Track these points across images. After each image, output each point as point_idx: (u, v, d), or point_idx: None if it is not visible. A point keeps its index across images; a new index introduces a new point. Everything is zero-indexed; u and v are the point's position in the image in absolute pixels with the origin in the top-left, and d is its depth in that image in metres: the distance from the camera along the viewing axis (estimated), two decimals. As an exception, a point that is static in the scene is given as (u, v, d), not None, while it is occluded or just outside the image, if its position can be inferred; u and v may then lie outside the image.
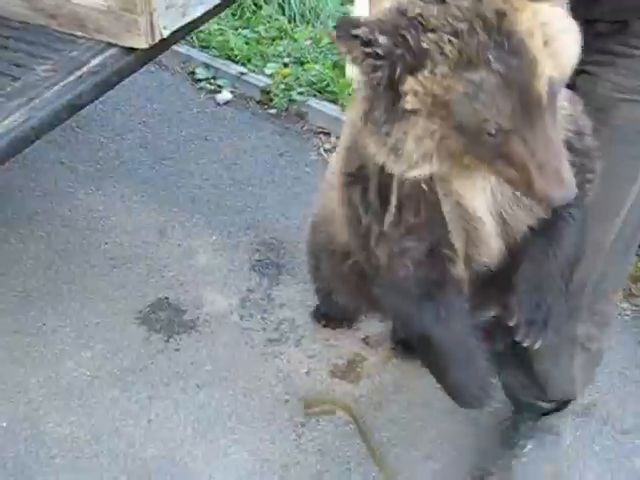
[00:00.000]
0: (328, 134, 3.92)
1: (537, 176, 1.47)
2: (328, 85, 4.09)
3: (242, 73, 4.25)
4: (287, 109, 4.10)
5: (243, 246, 3.36)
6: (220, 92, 4.22)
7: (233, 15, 4.64)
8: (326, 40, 4.45)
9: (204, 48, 4.45)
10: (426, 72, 1.44)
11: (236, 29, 4.55)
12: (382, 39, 1.44)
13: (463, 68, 1.42)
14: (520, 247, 1.90)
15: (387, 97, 1.50)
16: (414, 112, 1.48)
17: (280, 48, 4.43)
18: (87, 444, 2.65)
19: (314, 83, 4.12)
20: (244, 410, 2.76)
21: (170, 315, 3.07)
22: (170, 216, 3.48)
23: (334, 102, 4.03)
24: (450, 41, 1.41)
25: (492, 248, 1.87)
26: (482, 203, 1.78)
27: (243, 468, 2.60)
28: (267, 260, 3.30)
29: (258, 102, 4.18)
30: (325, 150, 3.85)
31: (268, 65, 4.28)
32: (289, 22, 4.61)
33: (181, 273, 3.24)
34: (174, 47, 4.16)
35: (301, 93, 4.10)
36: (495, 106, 1.42)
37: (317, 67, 4.18)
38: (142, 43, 2.28)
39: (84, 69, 2.27)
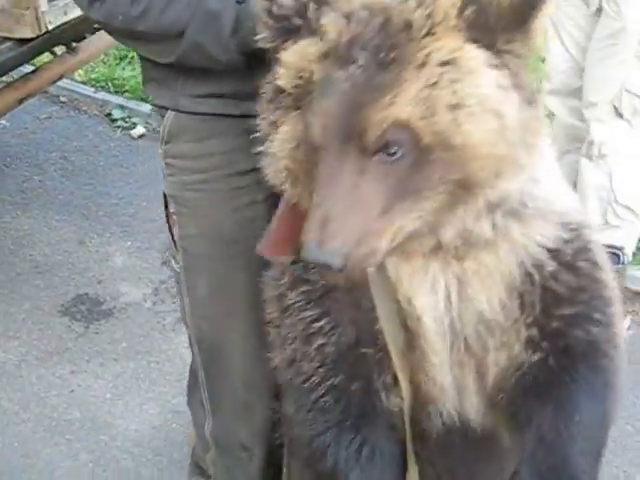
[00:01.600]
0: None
1: (309, 216, 1.21)
2: (231, 114, 4.56)
3: (154, 110, 4.70)
4: (195, 137, 4.55)
5: (155, 247, 3.75)
6: (135, 128, 4.66)
7: (144, 63, 5.12)
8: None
9: (118, 92, 4.90)
10: (304, 43, 1.24)
11: (147, 75, 5.03)
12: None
13: (331, 55, 1.20)
14: (507, 408, 1.46)
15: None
16: (283, 96, 1.28)
17: (188, 89, 4.91)
18: (15, 414, 2.96)
19: (218, 113, 4.59)
20: (157, 375, 3.10)
21: (89, 307, 3.43)
22: (89, 229, 3.86)
23: (237, 128, 4.49)
24: (341, 21, 1.21)
25: (442, 372, 1.43)
26: (427, 299, 1.39)
27: (157, 420, 2.93)
28: (177, 256, 3.68)
29: (169, 134, 4.63)
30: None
31: (177, 102, 4.74)
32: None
33: (99, 273, 3.61)
34: (92, 94, 4.66)
35: (207, 122, 4.56)
36: (322, 114, 1.19)
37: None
38: (29, 33, 2.78)
39: (-14, 57, 2.81)
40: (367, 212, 1.16)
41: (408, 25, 1.17)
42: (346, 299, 1.42)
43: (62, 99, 4.92)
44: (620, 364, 1.49)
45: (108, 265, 3.65)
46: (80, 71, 4.89)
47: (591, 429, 1.40)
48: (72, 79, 4.96)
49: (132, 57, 5.16)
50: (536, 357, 1.41)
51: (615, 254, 3.17)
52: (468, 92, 1.16)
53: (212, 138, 1.80)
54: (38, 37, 2.83)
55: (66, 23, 2.94)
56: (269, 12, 1.27)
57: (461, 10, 1.19)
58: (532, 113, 1.25)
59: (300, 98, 1.24)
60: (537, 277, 1.38)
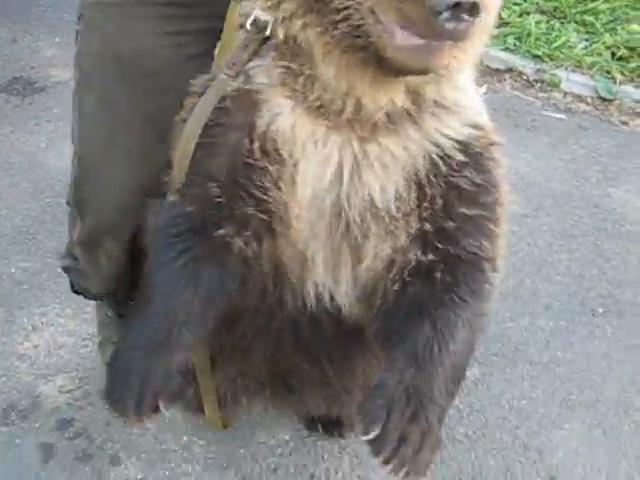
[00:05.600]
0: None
1: None
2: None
3: None
4: None
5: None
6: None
7: None
8: None
9: None
10: None
11: None
12: None
13: None
14: (383, 314, 1.42)
15: None
16: None
17: None
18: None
19: None
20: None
21: (24, 85, 4.03)
22: (20, 30, 4.46)
23: None
24: None
25: (312, 247, 1.40)
26: (314, 168, 1.34)
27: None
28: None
29: None
30: None
31: None
32: None
33: (32, 62, 4.21)
34: None
35: None
36: None
37: None
38: None
39: None
40: None
41: None
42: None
43: None
44: (494, 292, 1.45)
45: (39, 56, 4.24)
46: None
47: (462, 357, 1.38)
48: None
49: None
50: (425, 258, 1.38)
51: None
52: None
53: None
54: None
55: None
56: None
57: None
58: None
59: None
60: (443, 169, 1.36)
